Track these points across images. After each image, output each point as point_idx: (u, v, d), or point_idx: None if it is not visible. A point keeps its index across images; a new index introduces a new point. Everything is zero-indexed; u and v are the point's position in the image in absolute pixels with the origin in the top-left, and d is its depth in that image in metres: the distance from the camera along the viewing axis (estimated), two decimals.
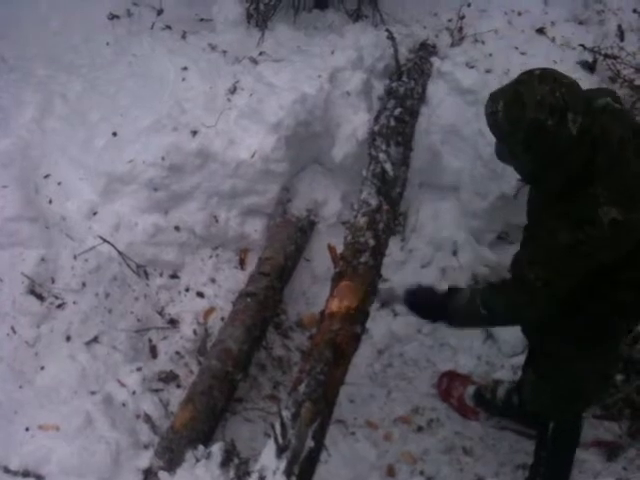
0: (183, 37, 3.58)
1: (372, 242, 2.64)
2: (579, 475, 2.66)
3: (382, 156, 3.06)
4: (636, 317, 2.31)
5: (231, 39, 3.56)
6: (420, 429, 2.88)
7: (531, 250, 2.13)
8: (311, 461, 2.10)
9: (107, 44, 3.56)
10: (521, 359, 2.73)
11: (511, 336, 3.04)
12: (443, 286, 2.48)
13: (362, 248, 2.61)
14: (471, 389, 2.93)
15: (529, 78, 1.96)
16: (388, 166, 3.01)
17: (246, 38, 3.61)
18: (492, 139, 3.51)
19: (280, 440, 2.01)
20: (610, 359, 2.40)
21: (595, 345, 2.25)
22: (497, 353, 3.12)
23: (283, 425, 2.03)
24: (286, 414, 2.06)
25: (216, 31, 3.64)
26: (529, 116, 1.89)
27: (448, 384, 2.98)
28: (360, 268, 2.52)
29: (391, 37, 3.61)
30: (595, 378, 2.38)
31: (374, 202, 2.82)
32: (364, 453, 2.73)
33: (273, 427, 2.05)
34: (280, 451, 2.00)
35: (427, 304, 2.43)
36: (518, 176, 2.18)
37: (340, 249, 2.70)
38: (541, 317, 2.23)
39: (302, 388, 2.15)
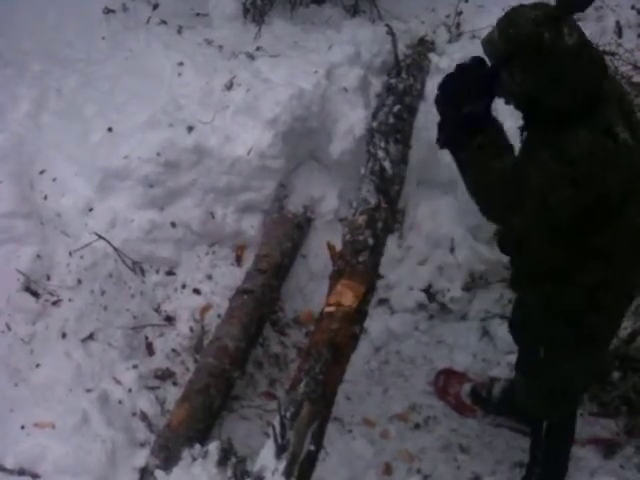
0: (179, 32, 3.56)
1: (371, 241, 2.63)
2: (576, 472, 2.66)
3: (381, 153, 3.05)
4: (614, 313, 2.29)
5: (227, 34, 3.55)
6: (417, 427, 2.87)
7: (561, 169, 1.94)
8: (310, 462, 2.10)
9: (102, 39, 3.54)
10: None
11: (507, 333, 3.03)
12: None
13: (361, 247, 2.60)
14: (467, 387, 2.93)
15: (520, 5, 1.99)
16: (387, 164, 2.99)
17: (242, 33, 3.59)
18: None
19: (279, 440, 2.01)
20: (598, 358, 2.40)
21: (579, 344, 2.25)
22: (493, 350, 3.12)
23: (282, 425, 2.02)
24: (285, 414, 2.05)
25: (212, 26, 3.63)
26: (525, 32, 1.90)
27: (445, 382, 2.98)
28: (359, 267, 2.51)
29: (391, 33, 3.60)
30: (583, 377, 2.38)
31: (373, 200, 2.81)
32: (361, 451, 2.73)
33: (273, 427, 2.05)
34: (279, 451, 2.00)
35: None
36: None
37: (338, 246, 2.69)
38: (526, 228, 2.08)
39: (301, 388, 2.15)
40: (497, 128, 2.09)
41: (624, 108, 2.05)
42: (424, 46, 3.73)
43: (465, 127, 2.06)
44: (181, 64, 3.33)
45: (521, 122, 2.13)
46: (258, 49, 3.47)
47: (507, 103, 2.09)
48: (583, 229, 2.04)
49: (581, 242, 2.07)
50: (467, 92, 2.05)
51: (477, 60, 2.06)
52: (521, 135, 2.15)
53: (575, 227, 2.03)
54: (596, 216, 2.01)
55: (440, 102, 2.11)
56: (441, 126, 2.14)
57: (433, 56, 3.66)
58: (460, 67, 2.09)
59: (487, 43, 2.01)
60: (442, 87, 2.10)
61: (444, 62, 3.59)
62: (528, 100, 2.01)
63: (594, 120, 1.95)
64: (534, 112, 2.04)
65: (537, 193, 1.96)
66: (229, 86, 3.22)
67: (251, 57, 3.41)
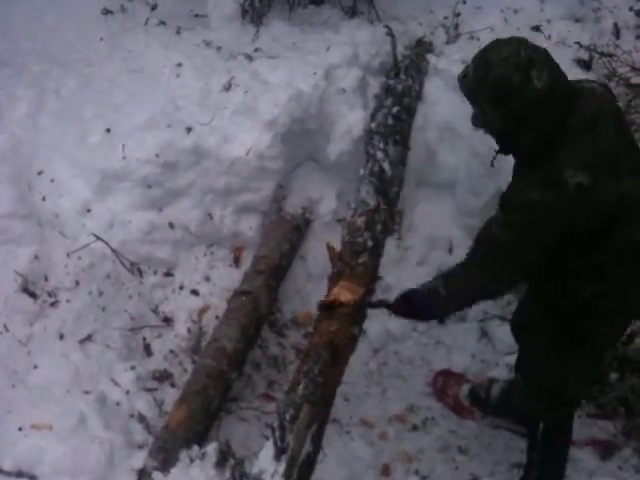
0: (177, 33, 3.56)
1: (370, 243, 2.62)
2: (574, 474, 2.66)
3: (380, 155, 3.05)
4: (615, 322, 2.29)
5: (226, 35, 3.55)
6: (415, 428, 2.87)
7: (502, 215, 2.12)
8: (309, 463, 2.10)
9: (101, 40, 3.53)
10: (515, 357, 2.73)
11: (506, 334, 3.03)
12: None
13: (360, 249, 2.60)
14: (466, 388, 2.93)
15: (496, 43, 2.09)
16: (386, 165, 3.00)
17: (241, 34, 3.59)
18: (489, 139, 3.51)
19: (278, 442, 2.00)
20: (595, 361, 2.40)
21: (573, 347, 2.26)
22: (492, 351, 3.12)
23: (282, 427, 2.02)
24: (284, 416, 2.05)
25: (211, 27, 3.63)
26: (495, 73, 2.00)
27: (443, 383, 2.98)
28: (358, 269, 2.51)
29: (391, 34, 3.60)
30: (579, 380, 2.38)
31: (372, 201, 2.81)
32: (359, 452, 2.73)
33: (272, 429, 2.04)
34: (278, 453, 1.99)
35: (405, 310, 2.41)
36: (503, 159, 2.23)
37: (337, 248, 2.69)
38: (501, 289, 2.27)
39: (300, 390, 2.14)
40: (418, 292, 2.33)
41: (599, 135, 2.06)
42: (422, 47, 3.74)
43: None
44: (180, 65, 3.33)
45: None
46: (256, 50, 3.47)
47: (485, 132, 2.19)
48: (573, 253, 2.08)
49: (573, 261, 2.10)
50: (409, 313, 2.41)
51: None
52: (494, 158, 2.25)
53: (562, 249, 2.08)
54: (579, 240, 2.07)
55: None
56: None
57: (431, 57, 3.66)
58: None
59: (462, 79, 2.11)
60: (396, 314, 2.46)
61: (442, 63, 3.60)
62: (500, 135, 2.13)
63: (546, 166, 2.02)
64: (506, 145, 2.16)
65: (491, 260, 2.15)
66: (227, 87, 3.22)
67: (249, 58, 3.41)
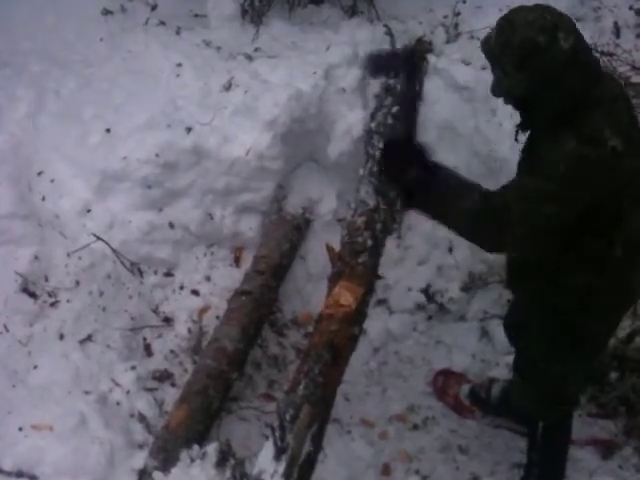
0: (177, 33, 3.55)
1: (370, 242, 2.62)
2: (574, 474, 2.66)
3: (379, 154, 3.04)
4: (607, 318, 2.28)
5: (226, 35, 3.54)
6: (416, 427, 2.87)
7: (536, 169, 2.00)
8: (310, 464, 2.10)
9: (101, 40, 3.53)
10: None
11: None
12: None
13: (360, 248, 2.60)
14: (466, 387, 2.93)
15: (520, 7, 2.04)
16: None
17: (241, 34, 3.58)
18: (488, 136, 3.52)
19: (279, 443, 2.00)
20: (592, 361, 2.39)
21: (573, 347, 2.25)
22: (492, 351, 3.12)
23: (282, 427, 2.02)
24: (285, 416, 2.05)
25: (210, 27, 3.62)
26: (520, 35, 1.94)
27: (443, 382, 2.98)
28: (358, 269, 2.50)
29: (390, 34, 3.60)
30: (578, 379, 2.39)
31: (372, 201, 2.79)
32: (359, 452, 2.73)
33: (272, 429, 2.04)
34: (278, 454, 1.99)
35: (407, 159, 2.18)
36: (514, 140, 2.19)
37: (337, 248, 2.69)
38: (515, 246, 2.09)
39: (300, 390, 2.14)
40: (443, 176, 2.13)
41: (619, 111, 2.05)
42: (422, 47, 3.72)
43: (411, 189, 2.19)
44: (179, 65, 3.32)
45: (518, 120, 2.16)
46: (256, 50, 3.47)
47: (506, 102, 2.13)
48: (580, 234, 2.05)
49: (576, 245, 2.07)
50: (401, 165, 2.20)
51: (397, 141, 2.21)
52: (516, 134, 2.18)
53: (571, 231, 2.04)
54: (592, 222, 2.03)
55: (385, 179, 2.27)
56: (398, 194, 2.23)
57: (431, 57, 3.65)
58: (388, 148, 2.25)
59: (485, 43, 2.06)
60: (380, 168, 2.28)
61: (442, 62, 3.59)
62: (523, 100, 2.05)
63: (581, 126, 1.97)
64: (529, 113, 2.09)
65: (518, 212, 1.99)
66: (227, 87, 3.22)
67: (249, 58, 3.41)
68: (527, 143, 2.20)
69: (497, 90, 2.08)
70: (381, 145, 2.22)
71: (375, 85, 3.48)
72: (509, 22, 1.99)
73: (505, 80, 2.02)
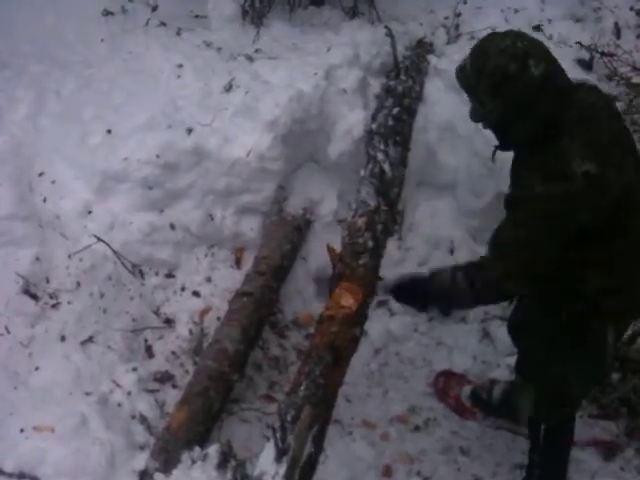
0: (178, 34, 3.56)
1: (371, 243, 2.62)
2: (576, 475, 2.66)
3: (380, 156, 3.05)
4: (614, 319, 2.27)
5: (226, 36, 3.55)
6: (417, 429, 2.86)
7: (510, 214, 2.11)
8: (311, 465, 2.10)
9: (101, 41, 3.53)
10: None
11: (507, 335, 3.03)
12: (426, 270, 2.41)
13: (361, 250, 2.59)
14: (467, 389, 2.93)
15: (493, 35, 2.12)
16: (386, 166, 2.99)
17: (241, 35, 3.59)
18: (489, 138, 3.51)
19: (280, 444, 2.00)
20: (595, 362, 2.39)
21: (575, 348, 2.25)
22: (493, 352, 3.11)
23: (283, 429, 2.02)
24: (286, 417, 2.04)
25: (211, 28, 3.63)
26: (492, 63, 2.01)
27: (445, 384, 2.97)
28: (359, 270, 2.50)
29: (390, 35, 3.60)
30: (580, 381, 2.37)
31: (372, 202, 2.80)
32: (361, 453, 2.72)
33: (273, 431, 2.04)
34: (280, 455, 1.99)
35: (413, 294, 2.35)
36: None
37: (337, 248, 2.69)
38: (520, 289, 2.23)
39: (301, 391, 2.14)
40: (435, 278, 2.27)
41: (596, 129, 2.05)
42: (423, 48, 3.73)
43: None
44: (180, 66, 3.33)
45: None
46: (257, 51, 3.47)
47: (484, 127, 2.19)
48: (581, 245, 2.06)
49: (581, 254, 2.08)
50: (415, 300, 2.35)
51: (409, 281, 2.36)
52: (493, 154, 2.25)
53: (571, 243, 2.06)
54: (592, 234, 2.05)
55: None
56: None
57: (432, 58, 3.66)
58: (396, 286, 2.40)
59: (460, 72, 2.12)
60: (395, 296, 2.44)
61: (443, 64, 3.59)
62: (498, 126, 2.13)
63: (550, 159, 2.01)
64: (504, 139, 2.16)
65: (500, 264, 2.12)
66: (228, 88, 3.22)
67: (250, 59, 3.41)
68: (512, 165, 2.24)
69: (474, 117, 2.15)
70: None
71: (376, 86, 3.50)
72: (482, 51, 2.05)
73: (480, 108, 2.09)
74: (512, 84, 1.99)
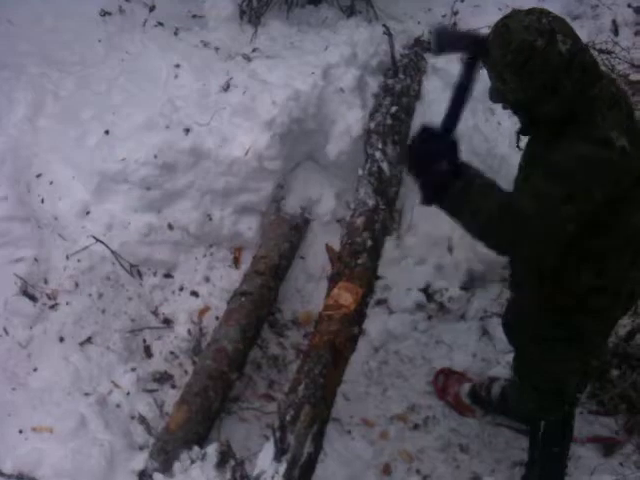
0: (175, 34, 3.56)
1: (369, 243, 2.62)
2: (575, 471, 2.66)
3: (378, 155, 3.05)
4: (607, 317, 2.27)
5: (224, 36, 3.55)
6: (416, 427, 2.86)
7: (547, 173, 1.93)
8: (310, 464, 2.10)
9: (99, 41, 3.53)
10: None
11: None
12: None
13: (359, 249, 2.60)
14: (467, 386, 2.93)
15: (517, 12, 1.99)
16: (385, 165, 2.99)
17: (239, 35, 3.59)
18: (487, 135, 3.51)
19: (279, 444, 2.00)
20: (586, 357, 2.38)
21: (570, 346, 2.24)
22: (492, 350, 3.11)
23: (282, 428, 2.02)
24: (285, 417, 2.05)
25: (208, 28, 3.63)
26: (517, 38, 1.91)
27: (444, 382, 2.97)
28: (357, 269, 2.51)
29: (388, 33, 3.60)
30: (573, 376, 2.38)
31: (371, 202, 2.80)
32: (360, 451, 2.72)
33: (273, 430, 2.04)
34: (279, 454, 1.99)
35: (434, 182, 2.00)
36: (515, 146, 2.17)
37: (336, 248, 2.69)
38: (526, 259, 2.09)
39: (301, 390, 2.14)
40: (471, 174, 2.02)
41: (621, 111, 2.03)
42: (420, 46, 3.73)
43: (439, 184, 2.01)
44: (178, 66, 3.33)
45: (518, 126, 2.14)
46: (254, 50, 3.47)
47: (504, 108, 2.11)
48: (582, 234, 2.04)
49: (578, 245, 2.07)
50: (432, 156, 2.00)
51: (434, 129, 2.02)
52: (517, 139, 2.17)
53: (575, 233, 2.02)
54: (596, 221, 2.01)
55: (412, 168, 2.07)
56: (421, 187, 2.08)
57: (429, 56, 3.65)
58: (422, 134, 2.03)
59: None
60: (410, 156, 2.07)
61: (441, 62, 3.59)
62: (522, 106, 2.03)
63: (588, 128, 1.95)
64: (529, 118, 2.06)
65: (535, 216, 1.93)
66: (226, 88, 3.22)
67: (247, 58, 3.41)
68: (528, 148, 2.17)
69: (495, 96, 2.05)
70: (416, 131, 2.06)
71: (374, 85, 3.49)
72: (505, 26, 1.96)
73: (502, 86, 1.99)
74: (538, 60, 1.89)
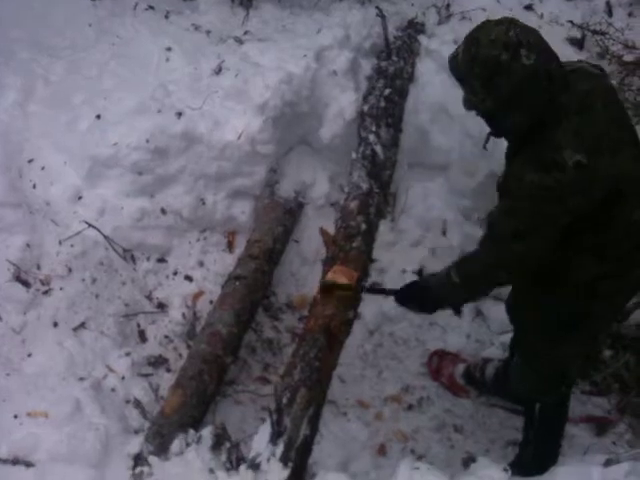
0: (166, 17, 3.53)
1: (364, 226, 2.62)
2: (568, 450, 2.68)
3: (372, 138, 3.04)
4: (615, 302, 2.29)
5: (215, 19, 3.52)
6: (411, 408, 2.88)
7: (502, 202, 2.11)
8: (306, 446, 2.11)
9: (89, 25, 3.49)
10: (510, 337, 2.73)
11: (500, 314, 3.03)
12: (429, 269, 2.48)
13: (354, 232, 2.60)
14: (461, 367, 2.94)
15: (487, 23, 2.09)
16: (378, 148, 2.99)
17: (230, 17, 3.56)
18: (480, 118, 3.49)
19: (275, 426, 2.01)
20: (591, 342, 2.40)
21: (574, 329, 2.25)
22: (486, 331, 3.13)
23: (279, 411, 2.03)
24: (281, 400, 2.06)
25: (199, 11, 3.59)
26: (483, 52, 2.00)
27: (438, 363, 2.99)
28: (352, 253, 2.51)
29: (381, 15, 3.57)
30: (576, 361, 2.39)
31: (365, 185, 2.80)
32: (355, 433, 2.74)
33: (269, 413, 2.05)
34: (275, 437, 2.00)
35: (420, 302, 2.36)
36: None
37: (330, 231, 2.69)
38: (515, 277, 2.24)
39: (297, 373, 2.15)
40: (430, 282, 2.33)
41: (591, 113, 2.04)
42: (414, 28, 3.70)
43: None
44: (169, 49, 3.30)
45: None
46: (246, 33, 3.44)
47: (477, 115, 2.17)
48: (580, 231, 2.07)
49: (573, 242, 2.09)
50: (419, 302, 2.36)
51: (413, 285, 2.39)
52: (486, 141, 2.24)
53: (565, 231, 2.06)
54: (595, 219, 2.06)
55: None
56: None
57: (423, 38, 3.63)
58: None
59: (452, 60, 2.10)
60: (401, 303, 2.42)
61: (434, 44, 3.57)
62: (492, 116, 2.11)
63: (542, 148, 2.00)
64: (497, 129, 2.15)
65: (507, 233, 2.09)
66: (218, 71, 3.20)
67: (239, 42, 3.38)
68: (507, 146, 2.23)
69: (466, 105, 2.14)
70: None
71: (367, 67, 3.47)
72: (475, 40, 2.03)
73: (472, 97, 2.07)
74: (503, 74, 1.97)
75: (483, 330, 3.11)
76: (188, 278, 2.95)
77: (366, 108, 3.29)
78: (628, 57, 3.54)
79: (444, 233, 3.32)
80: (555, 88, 2.02)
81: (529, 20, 3.52)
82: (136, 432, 2.35)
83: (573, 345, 2.30)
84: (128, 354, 2.61)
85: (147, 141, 2.93)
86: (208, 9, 3.58)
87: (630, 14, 3.87)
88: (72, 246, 2.74)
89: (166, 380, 2.60)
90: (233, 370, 2.73)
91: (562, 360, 2.35)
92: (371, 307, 3.10)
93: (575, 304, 2.22)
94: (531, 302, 2.34)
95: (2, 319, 2.53)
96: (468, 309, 3.15)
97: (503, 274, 2.20)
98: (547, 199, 1.98)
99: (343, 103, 3.26)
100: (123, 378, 2.52)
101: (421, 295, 2.33)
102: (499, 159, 3.11)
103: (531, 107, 2.02)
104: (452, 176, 3.38)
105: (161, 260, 2.95)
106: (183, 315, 2.84)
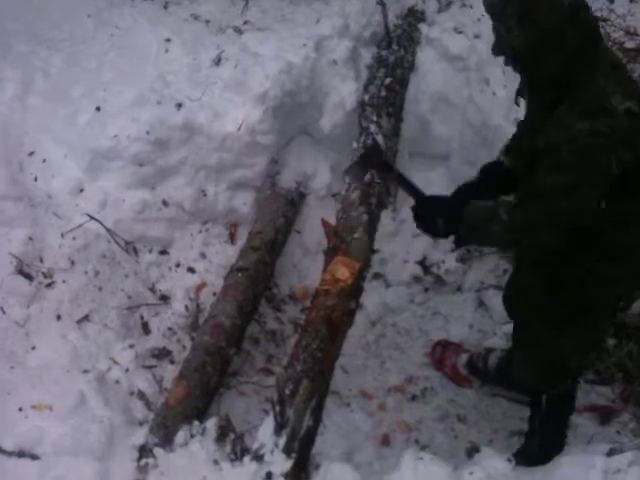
0: (165, 7, 3.51)
1: (365, 217, 2.61)
2: (573, 440, 2.67)
3: (373, 127, 3.03)
4: (616, 288, 2.24)
5: (214, 9, 3.50)
6: (414, 398, 2.89)
7: (548, 159, 1.95)
8: (310, 437, 2.11)
9: (88, 17, 3.47)
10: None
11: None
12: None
13: (355, 223, 2.59)
14: (464, 357, 2.94)
15: None
16: (379, 138, 2.97)
17: (229, 7, 3.55)
18: (481, 106, 3.48)
19: (279, 418, 2.01)
20: (597, 331, 2.38)
21: (577, 318, 2.22)
22: (489, 321, 3.12)
23: (282, 402, 2.03)
24: (284, 391, 2.06)
25: (198, 1, 3.58)
26: None
27: (441, 353, 2.99)
28: (354, 243, 2.50)
29: (381, 3, 3.54)
30: (578, 352, 2.36)
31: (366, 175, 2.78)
32: (359, 423, 2.75)
33: (272, 404, 2.05)
34: (279, 428, 2.01)
35: (437, 217, 2.19)
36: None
37: (332, 222, 2.68)
38: (556, 241, 2.05)
39: (299, 365, 2.16)
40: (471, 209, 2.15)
41: (622, 75, 2.01)
42: (414, 16, 3.68)
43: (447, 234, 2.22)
44: (168, 40, 3.29)
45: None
46: (245, 23, 3.42)
47: (506, 64, 2.07)
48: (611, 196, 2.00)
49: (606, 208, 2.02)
50: (435, 216, 2.21)
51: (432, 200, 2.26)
52: (516, 99, 2.15)
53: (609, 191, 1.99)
54: (626, 184, 1.98)
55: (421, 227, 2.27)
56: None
57: (423, 26, 3.61)
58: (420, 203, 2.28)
59: None
60: (416, 220, 2.28)
61: (434, 32, 3.55)
62: (525, 59, 2.00)
63: (587, 97, 1.92)
64: (531, 76, 2.04)
65: (547, 214, 1.99)
66: (217, 61, 3.19)
67: (239, 31, 3.37)
68: (528, 116, 2.15)
69: (498, 48, 2.03)
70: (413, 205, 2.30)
71: (367, 56, 3.45)
72: None
73: (506, 35, 1.97)
74: (542, 9, 1.89)
75: (486, 320, 3.10)
76: (190, 270, 2.95)
77: (367, 97, 3.28)
78: (629, 44, 3.51)
79: None
80: (589, 36, 1.94)
81: None
82: (140, 424, 2.36)
83: (572, 336, 2.27)
84: (132, 346, 2.61)
85: (147, 133, 2.92)
86: None
87: (632, 0, 3.84)
88: (74, 239, 2.73)
89: (170, 372, 2.61)
90: (236, 361, 2.74)
91: (560, 351, 2.31)
92: (373, 298, 3.11)
93: (578, 290, 2.18)
94: (533, 292, 2.31)
95: (5, 312, 2.53)
96: (471, 299, 3.15)
97: (546, 236, 2.03)
98: (599, 146, 1.87)
99: (343, 93, 3.25)
100: (127, 370, 2.53)
101: (450, 213, 2.15)
102: (500, 148, 3.12)
103: (565, 50, 1.92)
104: (453, 165, 3.37)
105: (163, 252, 2.95)
106: (186, 307, 2.84)
